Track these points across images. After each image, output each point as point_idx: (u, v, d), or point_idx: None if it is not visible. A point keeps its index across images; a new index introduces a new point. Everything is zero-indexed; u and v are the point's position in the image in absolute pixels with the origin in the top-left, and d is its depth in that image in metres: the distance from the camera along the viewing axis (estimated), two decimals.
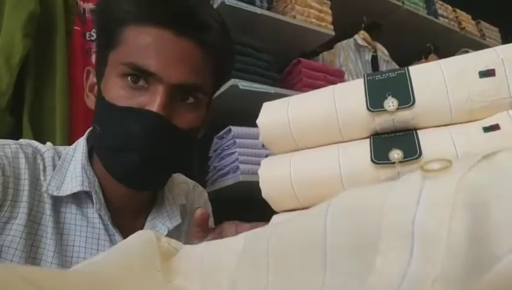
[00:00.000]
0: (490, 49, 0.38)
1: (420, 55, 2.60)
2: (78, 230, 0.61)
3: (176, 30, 0.57)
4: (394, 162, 0.37)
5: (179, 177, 0.82)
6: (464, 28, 2.66)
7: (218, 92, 1.61)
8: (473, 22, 2.82)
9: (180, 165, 0.66)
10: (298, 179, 0.41)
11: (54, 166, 0.63)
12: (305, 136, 0.43)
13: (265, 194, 0.43)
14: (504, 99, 0.36)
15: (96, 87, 0.63)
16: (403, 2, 2.37)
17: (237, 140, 1.51)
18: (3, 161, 0.57)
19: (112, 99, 0.58)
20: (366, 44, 2.21)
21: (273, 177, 0.43)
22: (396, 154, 0.38)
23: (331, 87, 0.43)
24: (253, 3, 1.74)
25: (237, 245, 0.30)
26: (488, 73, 0.37)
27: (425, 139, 0.38)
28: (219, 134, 1.62)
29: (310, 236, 0.22)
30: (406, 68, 0.41)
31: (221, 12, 1.61)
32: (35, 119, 1.23)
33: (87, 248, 0.61)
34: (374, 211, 0.18)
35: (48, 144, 0.67)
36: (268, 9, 1.83)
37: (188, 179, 0.85)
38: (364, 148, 0.40)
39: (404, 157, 0.37)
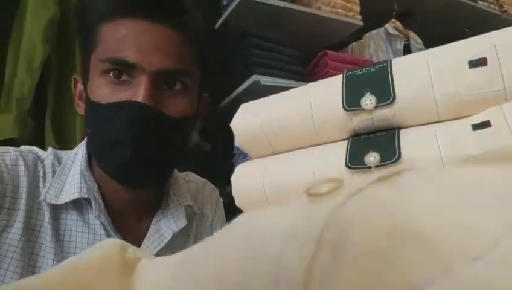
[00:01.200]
0: (482, 35, 0.33)
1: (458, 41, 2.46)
2: (79, 237, 0.60)
3: (149, 17, 0.56)
4: (370, 167, 0.33)
5: (187, 176, 0.80)
6: (505, 10, 2.49)
7: (241, 88, 1.59)
8: None
9: (174, 155, 0.64)
10: (271, 189, 0.38)
11: (54, 172, 0.63)
12: (280, 139, 0.39)
13: (238, 203, 0.40)
14: (496, 92, 0.31)
15: (84, 94, 0.62)
16: None
17: None
18: (2, 169, 0.57)
19: (97, 98, 0.57)
20: (397, 33, 2.11)
21: (246, 186, 0.39)
22: (372, 157, 0.33)
23: (308, 85, 0.40)
24: None
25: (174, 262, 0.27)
26: (478, 62, 0.32)
27: (407, 139, 0.34)
28: None
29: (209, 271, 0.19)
30: (389, 61, 0.36)
31: (244, 7, 1.61)
32: (57, 123, 1.26)
33: None
34: (252, 249, 0.15)
35: (49, 149, 0.66)
36: (292, 2, 1.78)
37: (198, 177, 0.82)
38: (340, 151, 0.36)
39: (381, 161, 0.33)
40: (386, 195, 0.13)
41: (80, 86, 0.64)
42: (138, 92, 0.54)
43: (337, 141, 0.38)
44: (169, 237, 0.64)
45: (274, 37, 1.67)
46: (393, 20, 2.15)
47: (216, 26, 1.80)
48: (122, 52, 0.55)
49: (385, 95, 0.34)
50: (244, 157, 1.57)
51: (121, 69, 0.56)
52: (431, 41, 2.23)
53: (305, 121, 0.37)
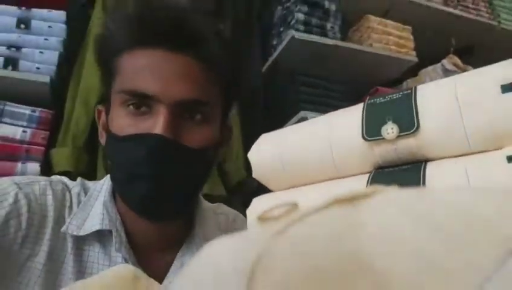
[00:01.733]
0: None
1: None
2: (101, 269, 0.59)
3: (168, 47, 0.55)
4: None
5: (218, 208, 0.77)
6: None
7: (288, 125, 1.58)
8: None
9: (196, 187, 0.62)
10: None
11: (79, 202, 0.62)
12: (297, 172, 0.37)
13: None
14: None
15: (106, 125, 0.61)
16: (499, 22, 2.16)
17: None
18: (31, 198, 0.58)
19: (117, 130, 0.56)
20: (455, 68, 2.03)
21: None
22: None
23: (328, 114, 0.37)
24: (325, 35, 1.70)
25: None
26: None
27: (433, 174, 0.30)
28: None
29: None
30: (414, 87, 0.34)
31: (293, 46, 1.63)
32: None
33: None
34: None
35: (79, 179, 0.66)
36: (342, 40, 1.77)
37: (229, 209, 0.79)
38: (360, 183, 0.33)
39: None
40: (340, 223, 0.11)
41: (103, 117, 0.63)
42: (157, 123, 0.53)
43: (357, 174, 0.35)
44: None
45: (322, 75, 1.66)
46: (450, 55, 2.07)
47: (266, 66, 1.82)
48: (141, 83, 0.54)
49: (409, 124, 0.31)
50: None
51: (140, 101, 0.55)
52: None
53: (324, 153, 0.35)
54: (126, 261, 0.60)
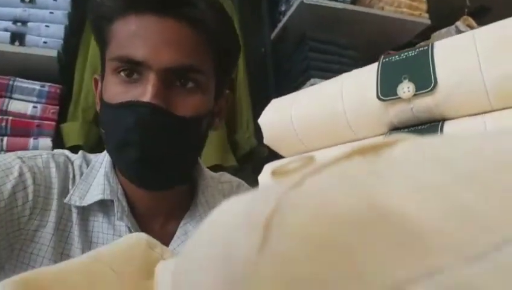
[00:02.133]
0: None
1: None
2: (105, 238, 0.60)
3: (157, 12, 0.54)
4: None
5: (222, 177, 0.77)
6: None
7: None
8: None
9: (190, 156, 0.62)
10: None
11: (82, 174, 0.63)
12: (310, 136, 0.36)
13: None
14: None
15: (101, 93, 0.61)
16: None
17: None
18: (35, 170, 0.58)
19: (109, 98, 0.56)
20: (470, 30, 1.97)
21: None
22: None
23: (341, 75, 0.36)
24: None
25: None
26: None
27: (451, 133, 0.29)
28: None
29: None
30: (430, 44, 0.32)
31: (302, 11, 1.59)
32: None
33: None
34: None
35: (80, 152, 0.67)
36: (353, 3, 1.72)
37: (232, 177, 0.79)
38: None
39: None
40: (361, 172, 0.10)
41: (100, 85, 0.63)
42: (146, 91, 0.53)
43: (373, 136, 0.34)
44: None
45: (332, 40, 1.63)
46: (465, 17, 2.01)
47: (275, 33, 1.79)
48: (131, 49, 0.54)
49: (426, 82, 0.30)
50: None
51: (131, 68, 0.54)
52: None
53: (337, 116, 0.34)
54: (129, 229, 0.60)
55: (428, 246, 0.08)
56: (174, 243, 0.62)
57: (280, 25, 1.75)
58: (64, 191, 0.60)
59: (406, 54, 0.33)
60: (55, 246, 0.57)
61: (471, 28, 2.00)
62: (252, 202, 0.11)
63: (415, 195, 0.09)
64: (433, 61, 0.30)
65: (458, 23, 2.00)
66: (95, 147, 1.26)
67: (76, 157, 0.65)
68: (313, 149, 0.37)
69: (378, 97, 0.32)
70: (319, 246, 0.08)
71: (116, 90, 0.55)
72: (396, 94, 0.31)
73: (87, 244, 0.59)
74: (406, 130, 0.32)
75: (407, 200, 0.09)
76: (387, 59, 0.33)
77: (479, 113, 0.30)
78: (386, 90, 0.31)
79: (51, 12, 1.36)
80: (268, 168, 0.38)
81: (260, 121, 0.39)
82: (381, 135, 0.33)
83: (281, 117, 0.37)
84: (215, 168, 1.28)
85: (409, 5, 1.80)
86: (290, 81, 1.68)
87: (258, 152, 1.48)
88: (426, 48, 0.32)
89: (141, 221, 0.62)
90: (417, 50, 0.32)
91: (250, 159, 1.49)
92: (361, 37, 1.76)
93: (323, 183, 0.10)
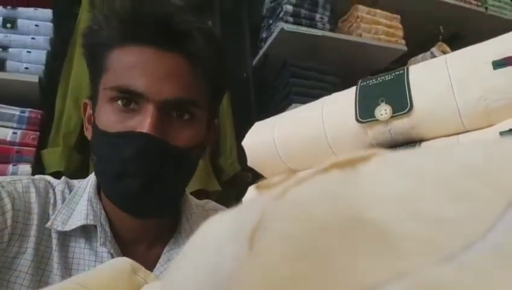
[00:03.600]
0: (506, 34, 0.30)
1: None
2: (87, 265, 0.59)
3: (158, 45, 0.55)
4: None
5: (207, 204, 0.77)
6: None
7: None
8: None
9: (182, 185, 0.63)
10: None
11: (64, 200, 0.62)
12: (293, 156, 0.37)
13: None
14: None
15: (92, 118, 0.61)
16: (486, 8, 2.17)
17: None
18: (14, 196, 0.58)
19: (104, 126, 0.56)
20: None
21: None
22: None
23: (321, 99, 0.37)
24: (314, 26, 1.70)
25: None
26: (504, 62, 0.28)
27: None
28: None
29: None
30: (405, 68, 0.34)
31: (283, 39, 1.62)
32: None
33: None
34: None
35: (63, 178, 0.66)
36: (332, 30, 1.77)
37: (217, 205, 0.79)
38: None
39: None
40: (338, 183, 0.11)
41: (89, 110, 0.63)
42: (144, 122, 0.54)
43: None
44: None
45: (313, 66, 1.66)
46: (440, 43, 2.08)
47: (256, 59, 1.82)
48: (130, 80, 0.54)
49: (402, 104, 0.31)
50: None
51: (129, 98, 0.55)
52: None
53: (318, 138, 0.35)
54: (112, 256, 0.60)
55: (399, 250, 0.09)
56: (157, 270, 0.61)
57: (261, 51, 1.79)
58: (44, 217, 0.59)
59: (382, 77, 0.34)
60: (34, 273, 0.56)
61: (446, 53, 2.06)
62: (238, 213, 0.12)
63: (387, 203, 0.10)
64: (409, 85, 0.32)
65: (433, 49, 2.07)
66: (76, 173, 1.25)
67: (59, 183, 0.64)
68: (295, 170, 0.38)
69: (356, 119, 0.33)
70: (300, 252, 0.09)
71: (112, 119, 0.55)
72: (374, 116, 0.32)
73: (67, 271, 0.58)
74: None
75: (380, 208, 0.10)
76: (364, 83, 0.35)
77: (453, 134, 0.31)
78: (364, 112, 0.33)
79: (32, 38, 1.36)
80: (252, 189, 0.39)
81: (244, 143, 0.39)
82: None
83: (263, 139, 0.38)
84: (198, 192, 1.27)
85: (386, 32, 1.86)
86: (272, 107, 1.71)
87: (242, 177, 1.48)
88: (401, 71, 0.33)
89: (124, 247, 0.62)
90: (393, 74, 0.34)
91: (234, 185, 1.49)
92: (340, 63, 1.80)
93: (304, 194, 0.10)
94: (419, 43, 2.04)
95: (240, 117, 1.63)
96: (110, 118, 0.56)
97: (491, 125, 0.29)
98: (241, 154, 1.69)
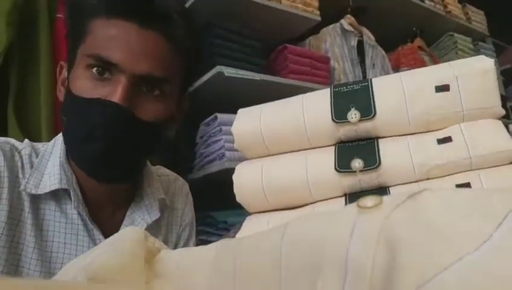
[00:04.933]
0: (446, 64, 0.41)
1: (406, 39, 2.62)
2: (57, 226, 0.63)
3: (139, 22, 0.58)
4: (355, 171, 0.40)
5: (159, 170, 0.83)
6: (449, 11, 2.68)
7: (204, 79, 1.62)
8: (459, 5, 2.84)
9: (145, 156, 0.67)
10: (269, 185, 0.44)
11: (32, 163, 0.64)
12: (276, 143, 0.46)
13: (239, 199, 0.46)
14: (457, 113, 0.39)
15: (66, 81, 0.63)
16: None
17: (223, 127, 1.52)
18: None
19: (77, 90, 0.58)
20: (352, 29, 2.22)
21: (246, 184, 0.45)
22: (357, 163, 0.40)
23: (300, 96, 0.46)
24: None
25: (209, 255, 0.32)
26: (443, 88, 0.40)
27: (385, 149, 0.41)
28: (205, 121, 1.63)
29: (268, 258, 0.25)
30: (369, 80, 0.43)
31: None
32: (20, 111, 1.23)
33: (67, 243, 0.63)
34: (318, 241, 0.21)
35: (26, 141, 0.68)
36: None
37: (169, 171, 0.86)
38: (329, 156, 0.43)
39: (365, 167, 0.40)
40: (418, 207, 0.20)
41: (65, 73, 0.65)
42: (115, 92, 0.57)
43: (324, 146, 0.44)
44: (143, 228, 0.66)
45: (238, 29, 1.70)
46: (348, 16, 2.25)
47: None
48: (108, 51, 0.57)
49: (367, 111, 0.41)
50: (206, 147, 1.62)
51: (104, 67, 0.58)
52: (382, 37, 2.37)
53: (299, 130, 0.44)
54: (82, 218, 0.64)
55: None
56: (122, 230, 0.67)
57: (187, 4, 1.78)
58: (13, 180, 0.61)
59: (351, 86, 0.44)
60: (8, 234, 0.58)
61: (353, 26, 2.25)
62: (356, 223, 0.20)
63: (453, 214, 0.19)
64: (373, 95, 0.42)
65: (342, 21, 2.24)
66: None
67: (24, 146, 0.66)
68: (274, 153, 0.47)
69: (332, 120, 0.42)
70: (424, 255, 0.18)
71: (86, 85, 0.58)
72: (346, 118, 0.42)
73: (39, 232, 0.61)
74: (349, 144, 0.43)
75: (447, 217, 0.19)
76: (337, 89, 0.44)
77: (403, 134, 0.42)
78: (338, 114, 0.42)
79: None
80: (240, 168, 0.47)
81: (233, 128, 0.47)
82: (330, 145, 0.44)
83: (251, 127, 0.46)
84: None
85: (304, 1, 1.96)
86: None
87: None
88: (366, 83, 0.43)
89: (91, 210, 0.66)
90: (360, 85, 0.43)
91: None
92: (259, 27, 1.87)
93: (405, 214, 0.19)
94: (331, 14, 2.19)
95: None
96: (84, 84, 0.58)
97: (430, 131, 0.41)
98: None
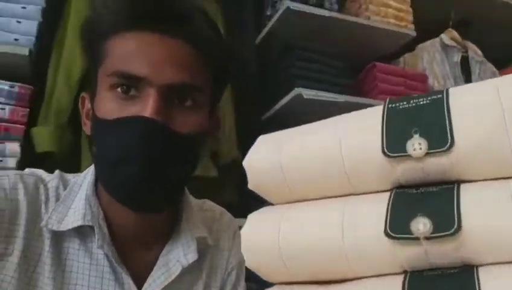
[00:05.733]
0: None
1: None
2: (81, 267, 0.57)
3: (158, 30, 0.54)
4: (418, 238, 0.24)
5: (205, 204, 0.74)
6: None
7: (282, 102, 1.52)
8: None
9: (185, 175, 0.60)
10: (288, 248, 0.30)
11: (58, 197, 0.59)
12: (301, 184, 0.31)
13: (248, 264, 0.32)
14: None
15: (91, 111, 0.58)
16: None
17: None
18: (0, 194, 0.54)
19: (104, 114, 0.53)
20: (454, 44, 1.96)
21: (258, 243, 0.32)
22: (421, 224, 0.25)
23: (336, 118, 0.31)
24: (321, 6, 1.61)
25: None
26: None
27: (471, 201, 0.25)
28: None
29: None
30: (444, 91, 0.28)
31: (289, 18, 1.55)
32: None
33: (90, 287, 0.57)
34: None
35: (56, 172, 0.63)
36: (340, 11, 1.69)
37: (215, 205, 0.76)
38: (378, 209, 0.27)
39: (434, 231, 0.24)
40: None
41: (88, 104, 0.61)
42: (146, 106, 0.51)
43: (374, 192, 0.29)
44: (178, 272, 0.60)
45: (318, 49, 1.59)
46: (449, 29, 2.00)
47: (260, 38, 1.74)
48: (131, 65, 0.53)
49: (440, 139, 0.26)
50: None
51: (129, 84, 0.53)
52: (491, 53, 2.07)
53: (335, 167, 0.29)
54: (108, 258, 0.58)
55: None
56: (154, 273, 0.59)
57: (265, 29, 1.71)
58: (33, 215, 0.56)
59: (415, 100, 0.28)
60: (21, 277, 0.53)
61: (456, 41, 2.00)
62: None
63: None
64: (449, 114, 0.26)
65: (443, 35, 2.00)
66: (69, 154, 1.19)
67: (52, 178, 0.61)
68: (299, 199, 0.32)
69: (383, 152, 0.27)
70: None
71: (113, 106, 0.53)
72: (405, 150, 0.26)
73: (61, 273, 0.56)
74: (412, 190, 0.27)
75: None
76: (393, 105, 0.29)
77: (503, 178, 0.25)
78: (393, 144, 0.27)
79: (23, 7, 1.28)
80: (251, 218, 0.34)
81: (245, 162, 0.34)
82: (383, 191, 0.29)
83: (269, 162, 0.32)
84: (195, 179, 1.22)
85: (396, 16, 1.78)
86: (273, 89, 1.64)
87: (239, 162, 1.43)
88: (440, 96, 0.27)
89: (121, 248, 0.59)
90: (429, 98, 0.28)
91: (231, 171, 1.43)
92: (346, 46, 1.73)
93: None
94: (429, 28, 1.96)
95: (240, 98, 1.56)
96: (110, 106, 0.53)
97: None
98: (240, 138, 1.63)
